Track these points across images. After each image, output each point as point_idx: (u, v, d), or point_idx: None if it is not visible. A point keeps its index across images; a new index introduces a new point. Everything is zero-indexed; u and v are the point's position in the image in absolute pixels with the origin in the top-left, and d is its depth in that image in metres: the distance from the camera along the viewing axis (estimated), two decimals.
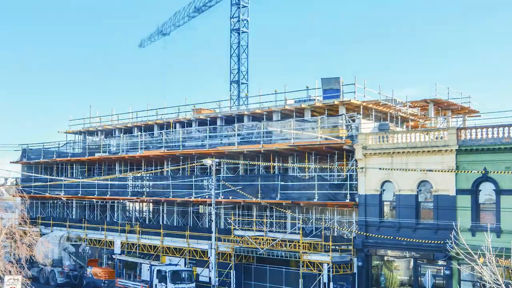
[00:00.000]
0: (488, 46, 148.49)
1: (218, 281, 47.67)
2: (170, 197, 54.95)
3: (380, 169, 40.87)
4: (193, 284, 46.83)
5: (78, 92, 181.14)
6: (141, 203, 68.95)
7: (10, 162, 73.84)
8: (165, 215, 58.38)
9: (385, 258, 41.97)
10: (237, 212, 51.83)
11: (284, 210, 47.11)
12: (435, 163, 38.92)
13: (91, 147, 67.73)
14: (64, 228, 63.72)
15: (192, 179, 53.72)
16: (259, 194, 48.19)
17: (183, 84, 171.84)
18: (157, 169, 58.64)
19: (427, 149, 39.43)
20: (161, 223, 57.72)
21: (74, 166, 68.19)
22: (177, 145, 56.36)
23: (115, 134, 66.64)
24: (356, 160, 43.02)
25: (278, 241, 45.17)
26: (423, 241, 38.89)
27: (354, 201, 43.03)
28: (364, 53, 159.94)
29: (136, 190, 59.28)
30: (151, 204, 64.26)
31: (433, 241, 38.47)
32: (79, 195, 64.45)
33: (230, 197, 50.22)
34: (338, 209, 45.82)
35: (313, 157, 47.13)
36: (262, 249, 45.43)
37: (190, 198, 53.69)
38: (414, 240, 39.26)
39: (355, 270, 42.50)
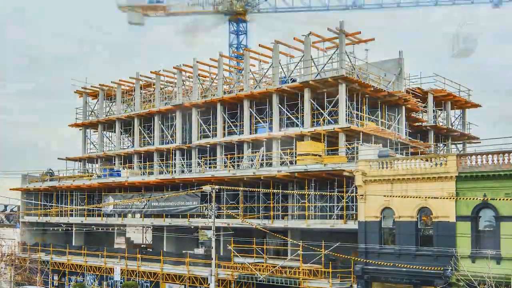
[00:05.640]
0: None
1: None
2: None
3: (380, 196, 40.87)
4: None
5: None
6: (142, 230, 68.91)
7: (10, 189, 73.73)
8: (165, 242, 58.14)
9: (386, 284, 41.77)
10: (237, 239, 51.69)
11: (285, 237, 47.01)
12: (435, 189, 38.87)
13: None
14: (64, 256, 63.48)
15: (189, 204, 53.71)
16: (259, 220, 48.23)
17: None
18: (157, 196, 58.57)
19: (427, 176, 39.44)
20: (161, 250, 57.48)
21: (74, 193, 68.13)
22: (177, 171, 56.40)
23: (114, 161, 66.77)
24: (356, 187, 43.03)
25: (278, 267, 45.02)
26: (423, 268, 38.74)
27: (354, 228, 42.98)
28: None
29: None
30: (151, 230, 64.14)
31: (433, 268, 38.33)
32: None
33: (230, 223, 50.24)
34: (338, 235, 45.69)
35: (312, 184, 47.14)
36: (262, 275, 45.26)
37: (190, 224, 53.76)
38: (414, 267, 39.10)
39: None
